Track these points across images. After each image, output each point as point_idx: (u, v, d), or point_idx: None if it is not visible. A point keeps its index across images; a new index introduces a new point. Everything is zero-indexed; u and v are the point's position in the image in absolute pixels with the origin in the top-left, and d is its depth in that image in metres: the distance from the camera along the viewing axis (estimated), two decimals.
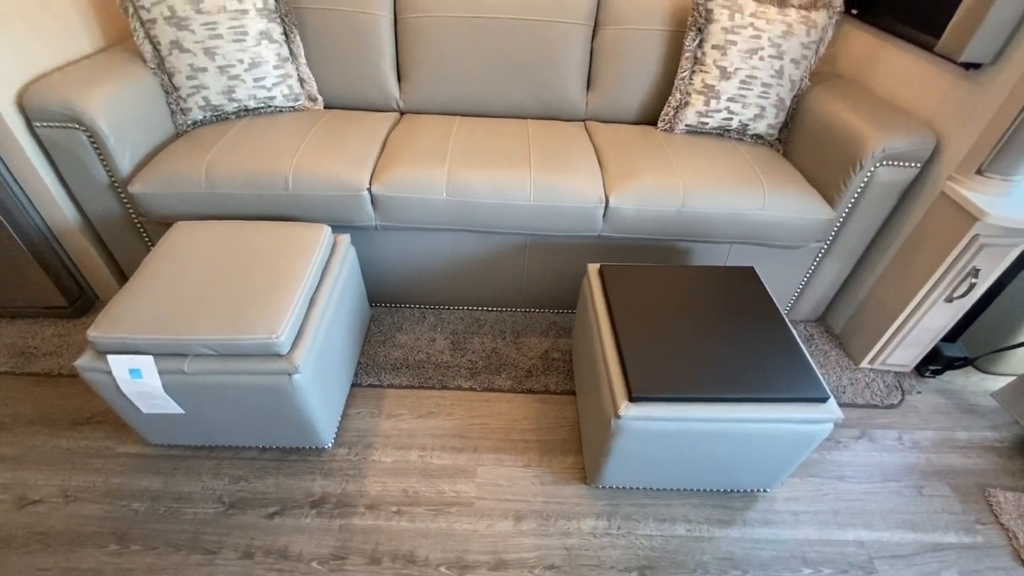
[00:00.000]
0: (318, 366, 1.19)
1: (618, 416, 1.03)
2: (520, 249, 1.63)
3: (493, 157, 1.52)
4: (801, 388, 1.06)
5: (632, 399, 1.04)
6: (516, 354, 1.64)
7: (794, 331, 1.18)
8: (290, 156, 1.46)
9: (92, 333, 1.06)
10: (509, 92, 1.78)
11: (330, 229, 1.37)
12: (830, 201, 1.51)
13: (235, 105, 1.63)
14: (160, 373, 1.09)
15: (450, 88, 1.77)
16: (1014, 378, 1.47)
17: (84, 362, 1.09)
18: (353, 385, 1.52)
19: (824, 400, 1.06)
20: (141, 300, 1.12)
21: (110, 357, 1.07)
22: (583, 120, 1.86)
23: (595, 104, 1.82)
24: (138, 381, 1.09)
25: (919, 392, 1.63)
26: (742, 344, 1.14)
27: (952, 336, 1.64)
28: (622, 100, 1.80)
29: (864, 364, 1.67)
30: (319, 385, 1.20)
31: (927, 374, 1.67)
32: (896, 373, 1.67)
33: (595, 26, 1.74)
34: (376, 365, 1.57)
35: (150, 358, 1.08)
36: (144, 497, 1.25)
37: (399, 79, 1.80)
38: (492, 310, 1.80)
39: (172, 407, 1.16)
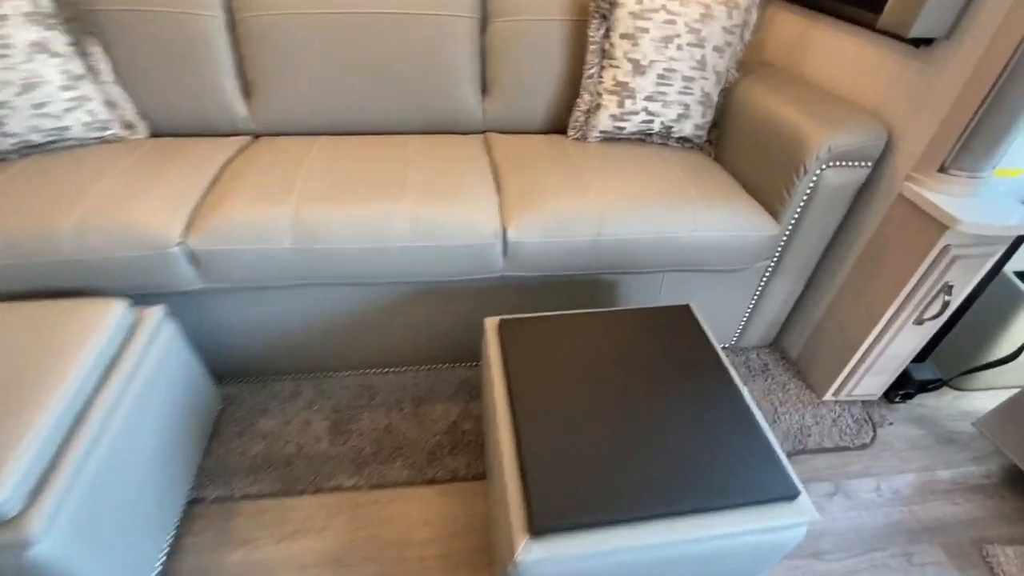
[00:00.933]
0: (89, 516, 0.81)
1: (515, 563, 0.72)
2: (409, 298, 1.29)
3: (357, 187, 1.19)
4: (763, 485, 0.78)
5: (534, 533, 0.72)
6: (416, 430, 1.30)
7: (748, 398, 0.90)
8: (72, 207, 1.07)
9: None
10: (385, 103, 1.45)
11: (127, 303, 1.00)
12: (773, 212, 1.27)
13: (12, 141, 1.22)
14: None
15: (310, 102, 1.42)
16: (997, 405, 1.26)
17: None
18: (192, 502, 1.14)
19: (794, 498, 0.78)
20: None
21: None
22: (482, 132, 1.56)
23: (493, 112, 1.51)
24: None
25: (890, 424, 1.41)
26: (682, 426, 0.85)
27: (921, 355, 1.42)
28: (525, 105, 1.50)
29: (828, 396, 1.43)
30: (94, 543, 0.83)
31: (896, 400, 1.45)
32: (864, 403, 1.45)
33: (484, 18, 1.44)
34: (226, 469, 1.19)
35: None
36: None
37: (245, 95, 1.44)
38: (387, 372, 1.45)
39: None
